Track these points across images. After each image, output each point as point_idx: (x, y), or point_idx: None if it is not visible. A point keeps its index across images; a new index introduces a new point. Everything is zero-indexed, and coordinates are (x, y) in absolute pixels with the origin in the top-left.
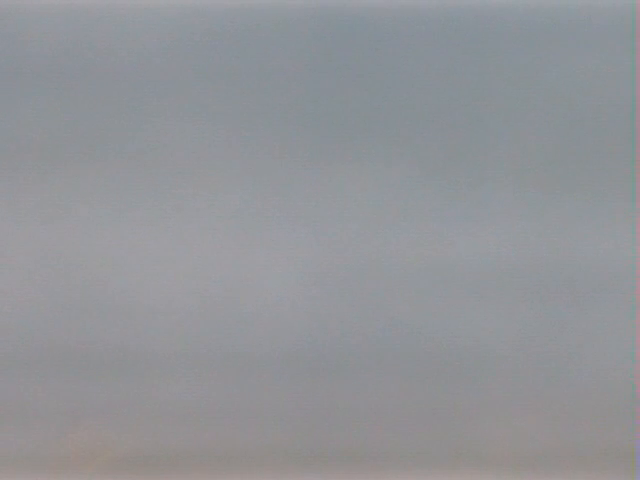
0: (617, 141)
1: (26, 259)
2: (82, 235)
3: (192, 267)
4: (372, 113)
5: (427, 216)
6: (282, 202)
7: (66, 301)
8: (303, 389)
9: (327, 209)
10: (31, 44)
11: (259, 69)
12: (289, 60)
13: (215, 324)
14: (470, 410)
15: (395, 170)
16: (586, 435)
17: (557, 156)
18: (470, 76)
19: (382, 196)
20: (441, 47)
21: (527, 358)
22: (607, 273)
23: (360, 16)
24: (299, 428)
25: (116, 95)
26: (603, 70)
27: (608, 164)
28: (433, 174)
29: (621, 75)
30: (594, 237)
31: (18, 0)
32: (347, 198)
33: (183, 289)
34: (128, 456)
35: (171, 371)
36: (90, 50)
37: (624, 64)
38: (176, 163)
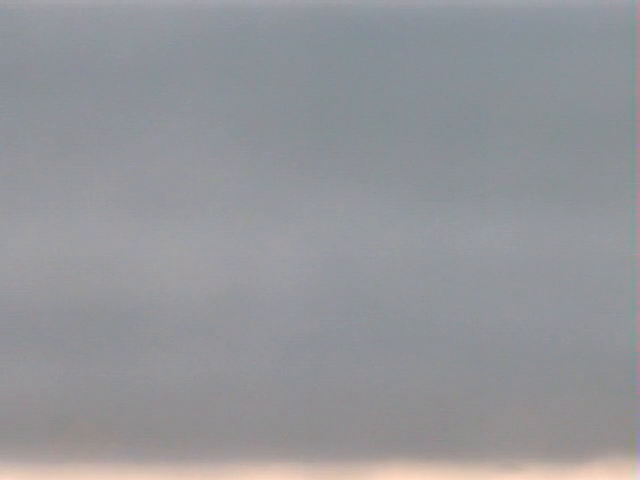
0: (617, 141)
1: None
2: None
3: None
4: (368, 112)
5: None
6: (282, 201)
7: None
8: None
9: (332, 209)
10: (32, 42)
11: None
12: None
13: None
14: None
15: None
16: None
17: (556, 156)
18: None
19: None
20: (441, 48)
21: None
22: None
23: (361, 17)
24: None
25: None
26: (603, 70)
27: (608, 164)
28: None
29: (621, 75)
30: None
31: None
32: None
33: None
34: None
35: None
36: (90, 49)
37: (624, 64)
38: (176, 164)
